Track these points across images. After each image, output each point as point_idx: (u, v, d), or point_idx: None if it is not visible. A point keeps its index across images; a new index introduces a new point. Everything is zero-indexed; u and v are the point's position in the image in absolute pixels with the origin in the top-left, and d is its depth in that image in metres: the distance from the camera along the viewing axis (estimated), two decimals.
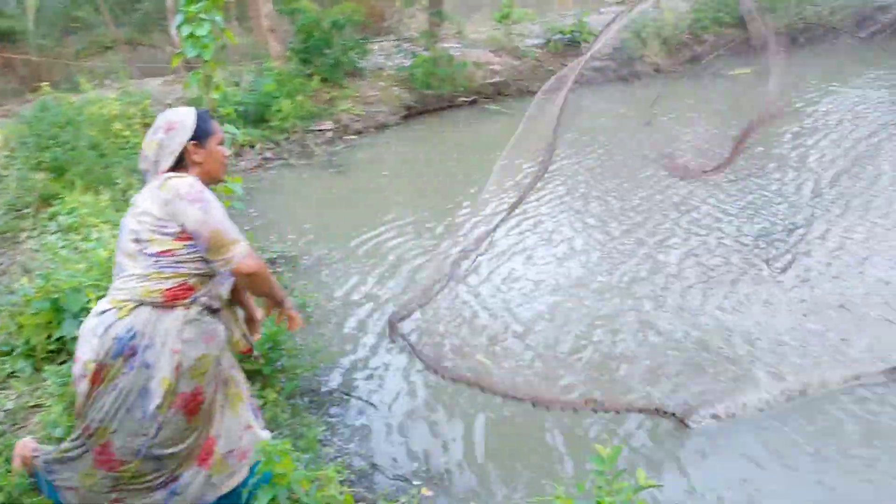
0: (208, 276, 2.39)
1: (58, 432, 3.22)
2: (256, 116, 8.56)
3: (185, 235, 2.31)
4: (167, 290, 2.31)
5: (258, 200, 7.17)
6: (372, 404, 4.13)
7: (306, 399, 4.09)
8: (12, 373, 3.79)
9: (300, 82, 8.84)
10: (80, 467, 2.40)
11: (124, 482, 2.39)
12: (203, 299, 2.38)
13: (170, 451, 2.37)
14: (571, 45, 11.46)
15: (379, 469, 3.61)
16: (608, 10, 13.93)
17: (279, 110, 8.42)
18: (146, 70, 11.40)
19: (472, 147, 8.62)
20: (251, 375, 3.85)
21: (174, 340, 2.31)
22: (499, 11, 12.00)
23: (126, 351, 2.28)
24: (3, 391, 3.68)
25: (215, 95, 3.67)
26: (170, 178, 2.34)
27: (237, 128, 7.36)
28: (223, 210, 2.37)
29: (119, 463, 2.37)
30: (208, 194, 2.35)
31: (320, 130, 8.92)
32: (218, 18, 3.54)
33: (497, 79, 10.55)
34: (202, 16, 3.43)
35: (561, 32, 11.41)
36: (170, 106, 8.74)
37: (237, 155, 8.13)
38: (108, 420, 2.32)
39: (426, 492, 3.45)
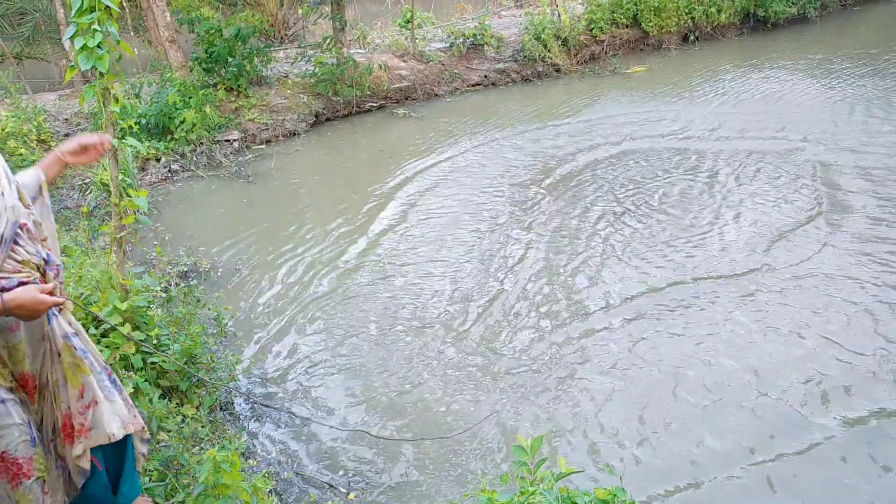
0: None
1: None
2: (160, 129, 8.33)
3: None
4: None
5: (166, 214, 7.00)
6: (292, 413, 4.12)
7: (226, 412, 4.05)
8: None
9: (204, 93, 8.66)
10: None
11: (47, 480, 2.30)
12: None
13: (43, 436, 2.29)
14: (475, 47, 11.63)
15: (304, 478, 3.61)
16: (508, 13, 14.22)
17: (183, 121, 8.23)
18: (38, 85, 10.92)
19: (381, 151, 8.66)
20: (168, 392, 3.79)
21: None
22: (400, 17, 12.08)
23: None
24: None
25: (115, 108, 3.58)
26: None
27: (140, 140, 7.18)
28: None
29: (29, 462, 2.24)
30: None
31: (227, 141, 8.76)
32: (112, 30, 3.45)
33: (404, 83, 10.61)
34: (95, 27, 3.33)
35: (464, 36, 11.57)
36: (67, 121, 8.43)
37: (142, 169, 7.90)
38: None
39: (352, 496, 3.48)
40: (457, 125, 9.41)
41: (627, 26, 12.58)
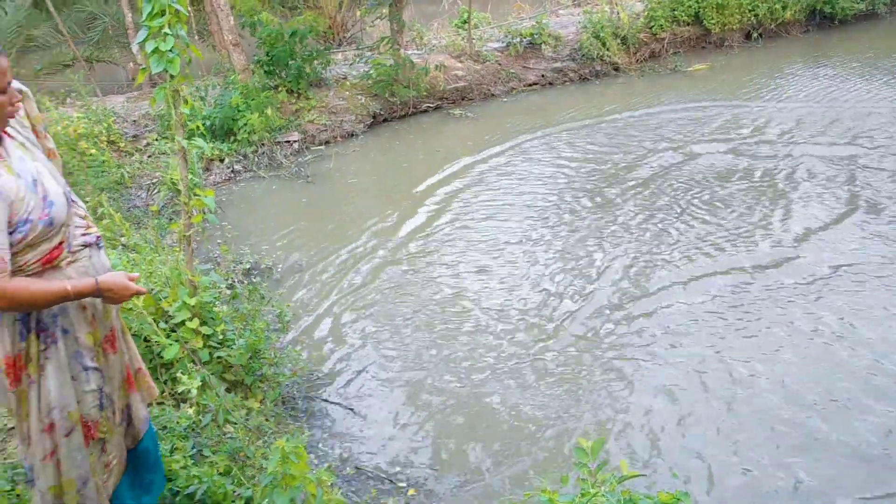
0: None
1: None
2: (224, 130, 8.54)
3: None
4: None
5: (229, 213, 7.17)
6: (353, 410, 4.18)
7: (288, 407, 4.13)
8: None
9: (266, 95, 8.84)
10: (80, 461, 2.37)
11: (109, 440, 2.45)
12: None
13: (113, 388, 2.45)
14: (532, 47, 11.58)
15: (364, 473, 3.66)
16: (566, 12, 14.12)
17: (246, 123, 8.42)
18: (107, 87, 11.30)
19: (437, 151, 8.70)
20: (233, 385, 3.88)
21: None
22: (457, 18, 12.11)
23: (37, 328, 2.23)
24: None
25: (185, 110, 3.68)
26: None
27: (205, 141, 7.35)
28: None
29: (96, 425, 2.39)
30: None
31: (287, 142, 8.92)
32: (182, 33, 3.55)
33: (460, 83, 10.64)
34: (166, 31, 3.44)
35: (521, 35, 11.53)
36: (135, 123, 8.71)
37: (206, 169, 8.11)
38: (66, 400, 2.29)
39: (412, 492, 3.51)
40: (513, 125, 9.39)
41: (688, 24, 12.36)
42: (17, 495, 2.98)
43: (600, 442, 2.47)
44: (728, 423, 3.87)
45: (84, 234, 2.32)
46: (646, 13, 12.19)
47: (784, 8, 12.60)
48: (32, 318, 2.19)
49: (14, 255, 2.09)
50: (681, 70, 11.40)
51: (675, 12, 12.19)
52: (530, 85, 11.26)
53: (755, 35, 12.60)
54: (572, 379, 4.32)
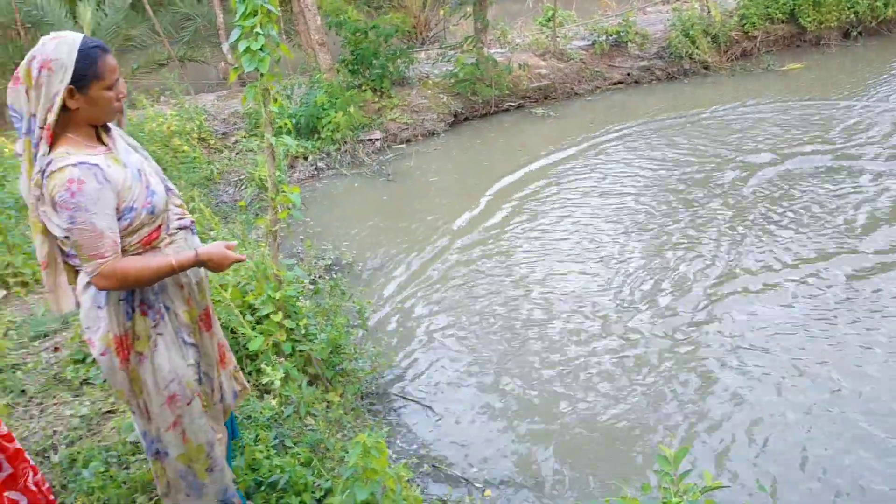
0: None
1: (132, 437, 3.34)
2: (308, 128, 8.72)
3: None
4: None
5: (313, 209, 7.31)
6: (430, 407, 4.19)
7: (367, 402, 4.17)
8: (86, 380, 3.94)
9: (350, 94, 8.97)
10: (203, 426, 2.49)
11: (210, 414, 2.56)
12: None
13: (209, 365, 2.56)
14: (617, 45, 11.38)
15: (441, 471, 3.65)
16: (654, 10, 13.81)
17: (330, 122, 8.56)
18: (198, 86, 11.68)
19: (518, 150, 8.64)
20: (314, 379, 3.95)
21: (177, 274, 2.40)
22: (542, 16, 12.00)
23: (141, 307, 2.32)
24: (78, 398, 3.83)
25: (274, 108, 3.76)
26: (50, 173, 2.08)
27: (292, 139, 7.52)
28: (95, 215, 2.10)
29: (199, 398, 2.50)
30: (83, 197, 2.07)
31: (370, 140, 9.03)
32: (273, 32, 3.62)
33: (543, 82, 10.54)
34: (258, 30, 3.51)
35: (607, 33, 11.34)
36: (224, 120, 8.97)
37: (291, 166, 8.30)
38: (181, 371, 2.40)
39: (488, 493, 3.49)
40: (596, 124, 9.24)
41: (783, 21, 11.89)
42: (111, 477, 3.10)
43: (684, 451, 2.40)
44: (807, 434, 3.71)
45: (180, 219, 2.43)
46: (738, 11, 11.81)
47: (886, 5, 11.97)
48: (136, 297, 2.29)
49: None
50: (774, 69, 10.98)
51: (769, 10, 11.75)
52: (615, 84, 11.06)
53: (854, 33, 12.02)
54: (649, 384, 4.22)
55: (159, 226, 2.31)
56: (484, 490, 3.51)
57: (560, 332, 4.81)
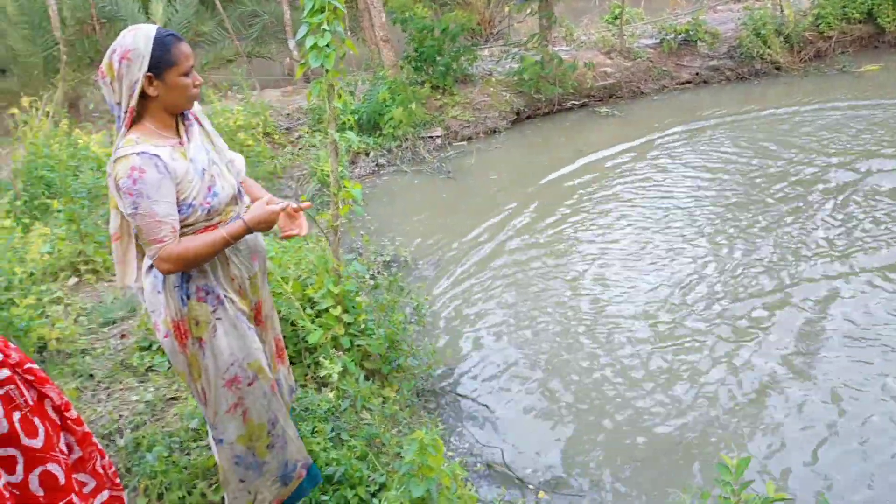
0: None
1: (194, 423, 3.42)
2: (370, 124, 8.78)
3: None
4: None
5: (372, 205, 7.36)
6: (486, 406, 4.17)
7: (422, 398, 4.17)
8: (151, 367, 4.05)
9: (412, 90, 9.00)
10: (266, 405, 2.54)
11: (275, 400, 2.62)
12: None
13: (267, 356, 2.60)
14: (686, 44, 11.14)
15: (495, 471, 3.63)
16: (724, 8, 13.47)
17: (392, 118, 8.61)
18: (264, 81, 11.90)
19: (580, 150, 8.53)
20: (371, 374, 3.97)
21: (234, 264, 2.46)
22: (609, 13, 11.84)
23: (198, 293, 2.38)
24: (143, 384, 3.93)
25: (338, 104, 3.79)
26: (116, 158, 2.19)
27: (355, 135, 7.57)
28: (156, 202, 2.18)
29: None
30: (144, 185, 2.16)
31: (431, 137, 9.05)
32: (339, 29, 3.65)
33: (609, 81, 10.39)
34: (324, 27, 3.54)
35: (675, 31, 11.12)
36: (288, 116, 9.11)
37: (352, 162, 8.37)
38: (242, 354, 2.45)
39: (542, 495, 3.45)
40: (662, 124, 9.06)
41: (860, 22, 11.45)
42: (173, 462, 3.18)
43: (746, 460, 2.34)
44: (866, 446, 3.55)
45: (238, 215, 2.46)
46: (813, 10, 11.42)
47: None
48: (192, 284, 2.36)
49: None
50: (849, 70, 10.59)
51: (846, 9, 11.33)
52: (683, 83, 10.83)
53: None
54: (705, 389, 4.11)
55: (217, 223, 2.36)
56: (538, 492, 3.47)
57: (613, 334, 4.73)
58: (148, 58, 2.16)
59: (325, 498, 3.04)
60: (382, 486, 3.15)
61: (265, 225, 2.35)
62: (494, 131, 9.45)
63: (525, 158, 8.56)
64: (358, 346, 3.95)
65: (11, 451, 1.13)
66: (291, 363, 3.85)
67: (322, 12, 3.58)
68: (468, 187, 7.76)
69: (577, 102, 10.18)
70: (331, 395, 3.57)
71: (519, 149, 8.95)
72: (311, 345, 3.79)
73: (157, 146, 2.21)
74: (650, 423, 3.91)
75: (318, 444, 3.22)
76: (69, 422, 1.25)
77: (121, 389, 3.89)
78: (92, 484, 1.27)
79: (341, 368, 3.57)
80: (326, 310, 3.88)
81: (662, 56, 11.01)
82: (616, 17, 11.15)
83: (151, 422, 3.61)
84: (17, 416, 1.13)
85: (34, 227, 5.24)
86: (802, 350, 4.38)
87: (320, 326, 3.82)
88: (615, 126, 9.35)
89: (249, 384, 2.48)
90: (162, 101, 2.25)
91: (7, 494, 1.09)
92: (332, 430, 3.41)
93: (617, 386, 4.23)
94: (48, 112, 7.25)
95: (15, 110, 6.74)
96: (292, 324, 3.91)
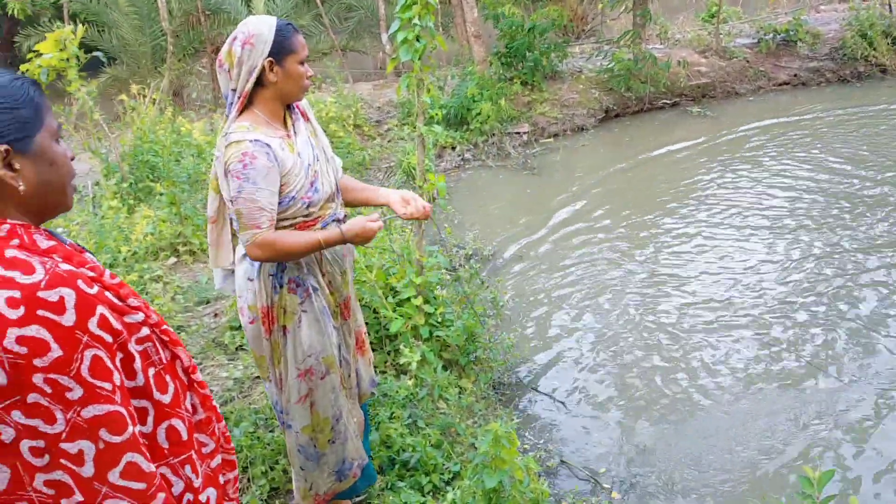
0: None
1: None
2: (457, 119, 8.87)
3: None
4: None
5: (456, 199, 7.44)
6: (562, 402, 4.18)
7: (498, 392, 4.22)
8: (241, 346, 4.24)
9: (501, 86, 9.03)
10: (333, 400, 2.62)
11: (345, 393, 2.69)
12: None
13: (348, 351, 2.68)
14: (785, 44, 10.77)
15: (568, 467, 3.65)
16: (828, 8, 12.93)
17: (479, 113, 8.66)
18: (356, 75, 12.16)
19: (669, 150, 8.38)
20: (448, 364, 4.05)
21: (327, 260, 2.52)
22: (705, 11, 11.56)
23: (289, 283, 2.45)
24: (232, 361, 4.13)
25: (426, 98, 3.87)
26: (229, 143, 2.27)
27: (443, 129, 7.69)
28: (261, 189, 2.26)
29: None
30: (253, 171, 2.23)
31: (517, 133, 9.06)
32: (430, 24, 3.72)
33: (702, 80, 10.15)
34: (416, 21, 3.62)
35: (774, 31, 10.75)
36: (379, 109, 9.30)
37: (438, 156, 8.48)
38: (319, 347, 2.52)
39: (615, 495, 3.45)
40: (757, 127, 8.80)
41: None
42: (258, 437, 3.34)
43: (830, 473, 2.28)
44: None
45: (334, 212, 2.55)
46: None
47: None
48: (286, 275, 2.44)
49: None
50: None
51: None
52: (780, 84, 10.48)
53: None
54: (788, 398, 3.99)
55: (316, 219, 2.44)
56: (611, 491, 3.48)
57: (696, 334, 4.66)
58: (270, 43, 2.24)
59: (400, 483, 3.14)
60: (456, 475, 3.23)
61: (361, 239, 2.41)
62: (582, 129, 9.38)
63: (612, 157, 8.47)
64: (437, 336, 4.03)
65: (144, 403, 1.23)
66: (372, 349, 3.98)
67: (414, 6, 3.66)
68: (553, 184, 7.74)
69: (668, 101, 10.00)
70: (409, 382, 3.66)
71: (606, 147, 8.87)
72: (392, 333, 3.89)
73: (268, 136, 2.29)
74: (732, 428, 3.84)
75: (395, 429, 3.32)
76: (195, 384, 1.37)
77: (212, 366, 4.10)
78: (210, 446, 1.39)
79: (420, 357, 3.66)
80: (408, 299, 3.98)
81: (759, 56, 10.67)
82: (713, 16, 10.88)
83: (239, 398, 3.79)
84: (151, 371, 1.24)
85: (138, 209, 5.55)
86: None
87: (401, 315, 3.91)
88: (707, 126, 9.13)
89: (322, 378, 2.54)
90: (278, 88, 2.32)
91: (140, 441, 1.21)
92: (409, 416, 3.50)
93: (698, 389, 4.17)
94: (154, 99, 7.63)
95: (124, 97, 7.13)
96: (374, 311, 4.03)
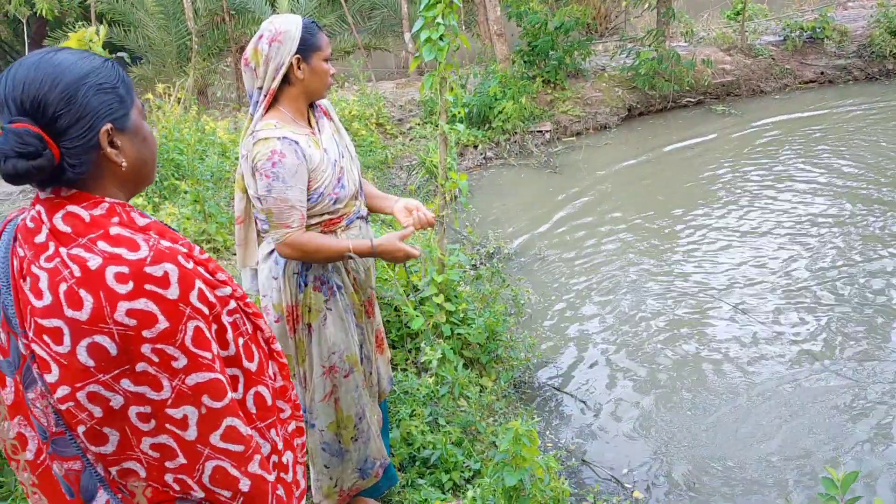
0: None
1: None
2: (479, 118, 8.86)
3: None
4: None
5: (478, 198, 7.44)
6: (583, 402, 4.17)
7: (519, 390, 4.22)
8: None
9: (523, 84, 9.01)
10: (357, 398, 2.63)
11: (368, 392, 2.71)
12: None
13: (370, 349, 2.69)
14: (812, 41, 10.63)
15: (590, 467, 3.64)
16: (855, 5, 12.76)
17: (501, 112, 8.65)
18: (379, 73, 12.19)
19: (691, 148, 8.31)
20: (469, 362, 4.05)
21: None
22: (731, 9, 11.45)
23: (314, 282, 2.47)
24: None
25: (449, 97, 3.87)
26: (257, 140, 2.28)
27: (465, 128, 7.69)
28: (290, 188, 2.27)
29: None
30: (282, 169, 2.25)
31: (539, 131, 9.03)
32: (454, 22, 3.72)
33: (727, 78, 10.06)
34: (439, 20, 3.62)
35: (801, 29, 10.63)
36: (401, 108, 9.32)
37: (460, 154, 8.48)
38: (343, 345, 2.54)
39: (638, 495, 3.43)
40: (782, 125, 8.70)
41: None
42: None
43: (853, 475, 2.25)
44: None
45: (358, 210, 2.57)
46: None
47: None
48: (311, 273, 2.46)
49: None
50: None
51: None
52: (807, 83, 10.36)
53: None
54: (825, 399, 3.94)
55: (341, 216, 2.46)
56: (633, 491, 3.46)
57: (720, 334, 4.62)
58: (297, 40, 2.26)
59: (420, 481, 3.15)
60: (476, 473, 3.23)
61: (389, 256, 2.44)
62: (605, 127, 9.34)
63: (635, 156, 8.42)
64: (458, 334, 4.03)
65: (236, 371, 1.30)
66: (393, 347, 4.00)
67: (438, 5, 3.66)
68: (575, 183, 7.71)
69: (692, 100, 9.92)
70: (430, 380, 3.67)
71: (629, 146, 8.81)
72: (413, 330, 3.90)
73: (296, 133, 2.31)
74: (756, 428, 3.80)
75: (416, 426, 3.33)
76: (274, 353, 1.45)
77: None
78: (288, 412, 1.46)
79: (441, 355, 3.67)
80: (429, 297, 3.99)
81: (785, 54, 10.56)
82: (738, 13, 10.78)
83: None
84: (241, 341, 1.31)
85: (163, 207, 5.60)
86: None
87: (422, 313, 3.92)
88: (732, 125, 9.05)
89: (345, 376, 2.56)
90: (305, 85, 2.33)
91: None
92: (430, 414, 3.51)
93: (721, 388, 4.14)
94: (179, 98, 7.71)
95: (150, 96, 7.21)
96: (395, 309, 4.04)
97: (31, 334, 1.18)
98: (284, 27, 2.27)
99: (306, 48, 2.29)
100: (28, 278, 1.19)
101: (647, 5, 10.51)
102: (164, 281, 1.18)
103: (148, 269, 1.17)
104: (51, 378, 1.17)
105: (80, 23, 7.23)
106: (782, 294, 5.06)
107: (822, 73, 10.40)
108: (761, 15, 12.11)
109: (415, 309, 3.96)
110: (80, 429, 1.20)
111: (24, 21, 10.24)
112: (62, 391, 1.17)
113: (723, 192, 6.95)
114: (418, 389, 3.59)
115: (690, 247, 5.92)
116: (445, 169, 3.98)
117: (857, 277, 5.15)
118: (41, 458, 1.28)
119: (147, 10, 10.85)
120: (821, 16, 10.77)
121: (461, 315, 4.08)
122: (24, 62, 1.22)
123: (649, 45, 9.78)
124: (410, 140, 8.69)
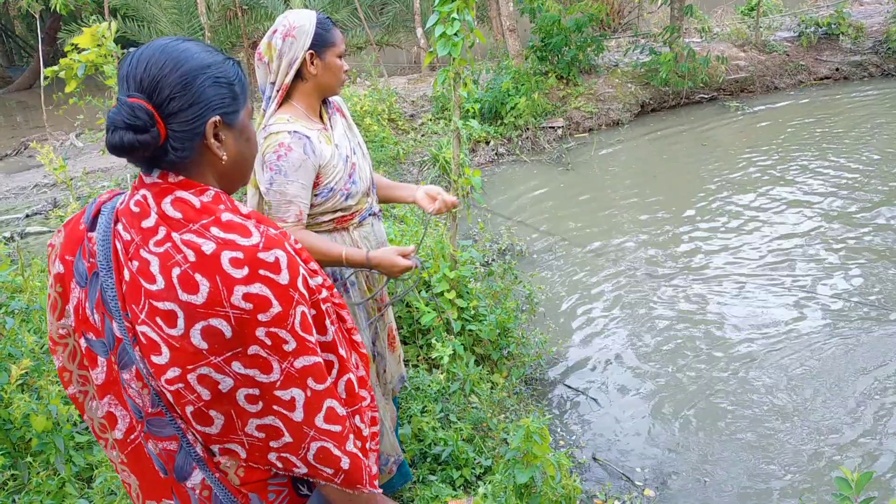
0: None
1: None
2: (492, 113, 8.84)
3: None
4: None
5: (489, 193, 7.42)
6: (595, 399, 4.15)
7: (530, 387, 4.21)
8: None
9: (536, 80, 8.98)
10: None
11: (380, 389, 2.72)
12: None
13: (383, 346, 2.70)
14: (827, 37, 10.54)
15: (600, 464, 3.62)
16: (872, 0, 12.64)
17: (514, 108, 8.63)
18: (391, 69, 12.19)
19: (703, 145, 8.27)
20: (481, 359, 4.04)
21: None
22: (745, 4, 11.36)
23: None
24: None
25: (463, 93, 3.86)
26: (268, 134, 2.28)
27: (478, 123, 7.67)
28: (291, 182, 2.27)
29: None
30: (285, 163, 2.24)
31: (552, 127, 9.01)
32: (469, 18, 3.70)
33: (741, 74, 9.99)
34: (454, 15, 3.60)
35: (816, 24, 10.54)
36: (413, 103, 9.31)
37: (472, 150, 8.47)
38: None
39: (648, 493, 3.42)
40: (797, 123, 8.63)
41: None
42: None
43: (868, 476, 2.23)
44: None
45: (371, 207, 2.57)
46: None
47: None
48: (323, 269, 2.44)
49: (314, 213, 2.38)
50: None
51: None
52: (821, 79, 10.28)
53: None
54: (837, 401, 3.91)
55: (354, 213, 2.46)
56: (644, 489, 3.45)
57: (730, 334, 4.59)
58: (312, 35, 2.26)
59: (432, 477, 3.14)
60: (487, 470, 3.22)
61: (385, 269, 2.38)
62: (617, 123, 9.30)
63: (647, 152, 8.39)
64: (469, 330, 4.02)
65: (331, 357, 1.34)
66: (405, 343, 4.00)
67: (452, 1, 3.65)
68: (587, 180, 7.69)
69: (705, 96, 9.87)
70: (441, 376, 3.66)
71: (641, 142, 8.77)
72: (424, 326, 3.90)
73: (307, 128, 2.30)
74: (767, 426, 3.78)
75: (428, 423, 3.32)
76: (355, 343, 1.48)
77: None
78: (368, 400, 1.49)
79: (452, 352, 3.66)
80: (441, 293, 3.98)
81: (800, 50, 10.48)
82: (752, 9, 10.70)
83: None
84: (333, 329, 1.36)
85: None
86: None
87: (434, 309, 3.92)
88: (745, 121, 8.99)
89: None
90: (318, 81, 2.33)
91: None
92: (441, 410, 3.50)
93: (732, 385, 4.11)
94: None
95: None
96: (407, 305, 4.04)
97: (142, 316, 1.20)
98: (298, 22, 2.27)
99: (320, 44, 2.29)
100: (136, 262, 1.21)
101: (660, 2, 10.45)
102: (275, 266, 1.20)
103: (261, 255, 1.20)
104: (160, 360, 1.20)
105: (93, 17, 7.24)
106: (802, 295, 5.02)
107: (837, 69, 10.32)
108: (776, 10, 12.03)
109: (426, 304, 3.96)
110: (189, 409, 1.23)
111: (38, 16, 10.28)
112: (172, 373, 1.20)
113: (737, 188, 6.90)
114: (429, 386, 3.58)
115: (706, 243, 5.89)
116: (458, 165, 3.97)
117: (881, 285, 5.11)
118: (131, 436, 1.33)
119: (160, 5, 10.88)
120: (836, 11, 10.69)
121: (473, 311, 4.07)
122: (152, 44, 1.25)
123: (664, 42, 9.72)
124: (422, 136, 8.68)
